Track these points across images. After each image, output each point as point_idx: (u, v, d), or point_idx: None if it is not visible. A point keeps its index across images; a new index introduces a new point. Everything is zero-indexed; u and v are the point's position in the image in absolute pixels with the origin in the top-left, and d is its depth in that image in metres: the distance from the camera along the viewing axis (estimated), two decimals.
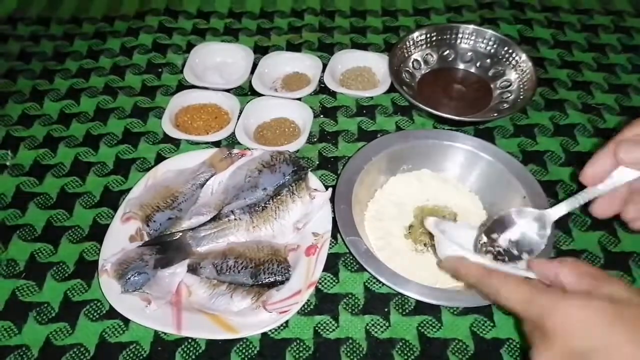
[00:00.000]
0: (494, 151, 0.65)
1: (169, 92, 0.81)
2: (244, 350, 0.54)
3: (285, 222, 0.62)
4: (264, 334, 0.55)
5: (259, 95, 0.78)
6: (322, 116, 0.77)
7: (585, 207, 0.45)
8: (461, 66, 0.84)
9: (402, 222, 0.64)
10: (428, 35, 0.83)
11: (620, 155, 0.39)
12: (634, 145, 0.39)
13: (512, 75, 0.79)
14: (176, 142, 0.74)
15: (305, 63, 0.84)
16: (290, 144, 0.70)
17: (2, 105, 0.79)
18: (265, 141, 0.73)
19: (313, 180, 0.65)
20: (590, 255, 0.62)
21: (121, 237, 0.60)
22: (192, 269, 0.58)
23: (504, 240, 0.48)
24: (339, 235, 0.62)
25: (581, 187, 0.44)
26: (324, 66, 0.82)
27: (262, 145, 0.71)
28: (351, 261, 0.61)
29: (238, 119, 0.74)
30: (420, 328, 0.56)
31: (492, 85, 0.81)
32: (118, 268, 0.56)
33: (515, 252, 0.47)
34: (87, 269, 0.60)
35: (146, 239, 0.61)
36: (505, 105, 0.76)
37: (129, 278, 0.55)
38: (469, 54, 0.83)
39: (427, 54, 0.83)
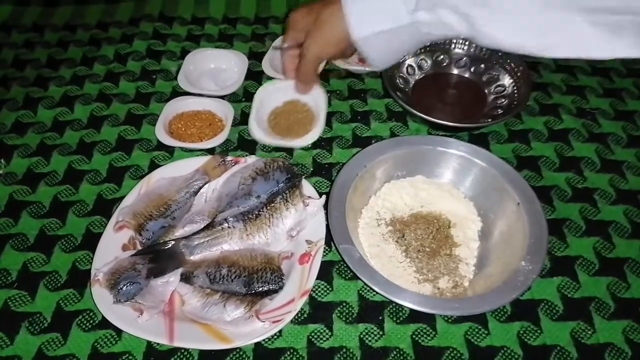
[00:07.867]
0: (488, 157, 0.65)
1: (163, 99, 0.81)
2: None
3: (279, 229, 0.61)
4: (258, 344, 0.54)
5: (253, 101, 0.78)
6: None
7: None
8: (455, 71, 0.84)
9: (396, 229, 0.63)
10: None
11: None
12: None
13: (507, 80, 0.79)
14: (170, 150, 0.73)
15: None
16: (307, 135, 0.72)
17: None
18: (280, 131, 0.74)
19: (307, 187, 0.64)
20: (585, 261, 0.61)
21: (114, 246, 0.60)
22: (186, 278, 0.58)
23: None
24: (332, 243, 0.61)
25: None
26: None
27: (277, 136, 0.73)
28: (345, 269, 0.61)
29: (232, 126, 0.73)
30: (414, 336, 0.55)
31: (486, 90, 0.81)
32: (110, 278, 0.56)
33: None
34: (80, 279, 0.60)
35: (139, 247, 0.60)
36: (500, 111, 0.76)
37: (121, 288, 0.54)
38: (463, 59, 0.83)
39: (421, 59, 0.83)
